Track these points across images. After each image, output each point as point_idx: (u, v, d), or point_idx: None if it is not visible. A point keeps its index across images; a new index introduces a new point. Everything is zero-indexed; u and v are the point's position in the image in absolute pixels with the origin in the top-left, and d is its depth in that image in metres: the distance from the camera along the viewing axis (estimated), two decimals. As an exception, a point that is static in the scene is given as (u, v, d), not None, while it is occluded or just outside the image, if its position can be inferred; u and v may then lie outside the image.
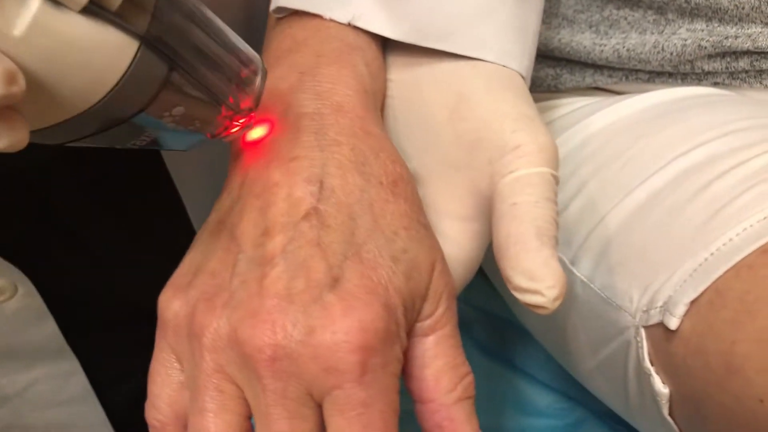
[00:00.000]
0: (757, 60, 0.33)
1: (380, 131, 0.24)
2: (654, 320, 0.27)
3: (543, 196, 0.22)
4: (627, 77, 0.36)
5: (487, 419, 0.40)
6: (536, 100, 0.27)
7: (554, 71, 0.38)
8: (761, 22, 0.32)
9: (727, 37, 0.32)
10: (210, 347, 0.21)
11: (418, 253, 0.22)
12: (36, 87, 0.16)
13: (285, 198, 0.22)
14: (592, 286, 0.31)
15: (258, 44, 0.27)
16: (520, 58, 0.26)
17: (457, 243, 0.25)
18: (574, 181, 0.33)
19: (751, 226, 0.26)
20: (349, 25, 0.26)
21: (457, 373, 0.22)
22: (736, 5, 0.31)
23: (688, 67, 0.34)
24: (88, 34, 0.16)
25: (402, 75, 0.27)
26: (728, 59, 0.33)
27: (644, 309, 0.28)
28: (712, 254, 0.26)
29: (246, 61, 0.21)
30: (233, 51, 0.20)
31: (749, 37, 0.31)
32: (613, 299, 0.30)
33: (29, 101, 0.15)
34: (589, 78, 0.37)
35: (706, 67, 0.34)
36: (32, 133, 0.17)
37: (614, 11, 0.35)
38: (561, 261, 0.29)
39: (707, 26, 0.33)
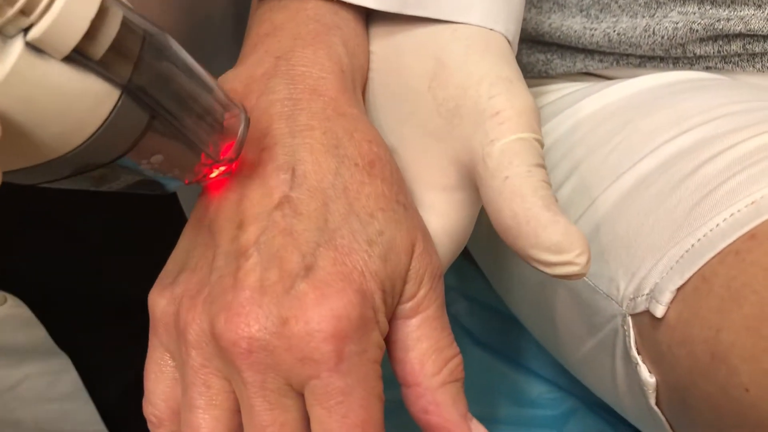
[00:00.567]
0: (749, 43, 0.32)
1: (356, 111, 0.24)
2: (641, 308, 0.27)
3: (532, 164, 0.21)
4: (618, 62, 0.35)
5: (478, 409, 0.40)
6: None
7: (545, 56, 0.37)
8: (754, 4, 0.31)
9: (719, 20, 0.31)
10: (194, 343, 0.21)
11: (396, 234, 0.22)
12: (13, 131, 0.16)
13: (257, 188, 0.22)
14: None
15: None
16: (505, 21, 0.25)
17: (443, 214, 0.24)
18: (565, 166, 0.33)
19: (738, 211, 0.25)
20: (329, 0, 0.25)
21: (442, 356, 0.22)
22: (727, -14, 0.31)
23: (679, 50, 0.33)
24: (69, 82, 0.16)
25: (383, 46, 0.26)
26: (720, 42, 0.33)
27: (631, 297, 0.28)
28: (698, 240, 0.26)
29: (228, 109, 0.21)
30: (215, 99, 0.20)
31: (742, 19, 0.31)
32: (601, 287, 0.29)
33: (4, 144, 0.15)
34: (580, 63, 0.36)
35: (697, 51, 0.33)
36: (5, 173, 0.17)
37: (605, -6, 0.35)
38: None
39: (699, 9, 0.32)
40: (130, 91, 0.17)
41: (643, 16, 0.33)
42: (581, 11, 0.35)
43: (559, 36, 0.35)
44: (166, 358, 0.23)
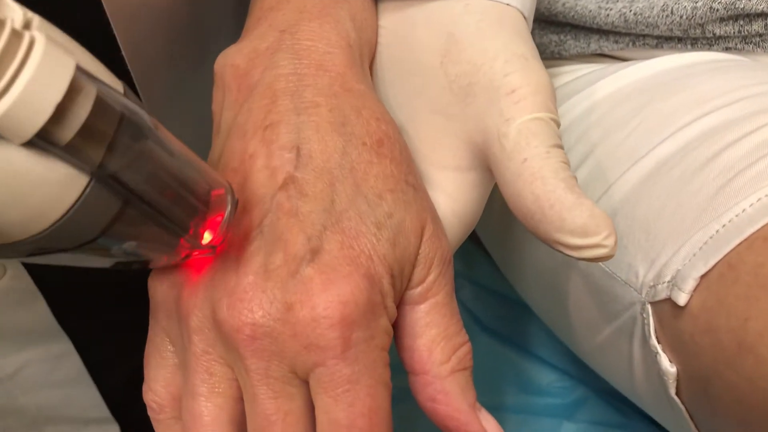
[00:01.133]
0: (772, 22, 0.31)
1: (364, 87, 0.23)
2: (661, 296, 0.26)
3: (551, 144, 0.20)
4: (634, 43, 0.34)
5: (487, 398, 0.39)
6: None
7: (558, 37, 0.36)
8: (777, -19, 0.30)
9: (740, -1, 0.30)
10: (196, 329, 0.20)
11: (405, 216, 0.21)
12: None
13: (261, 169, 0.21)
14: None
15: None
16: None
17: (453, 195, 0.23)
18: (580, 149, 0.31)
19: (766, 195, 0.24)
20: None
21: (450, 344, 0.21)
22: (751, -37, 0.29)
23: (698, 31, 0.32)
24: (29, 168, 0.14)
25: (393, 21, 0.25)
26: (741, 22, 0.31)
27: (651, 284, 0.27)
28: (723, 226, 0.24)
29: (214, 187, 0.19)
30: (200, 178, 0.19)
31: (764, -2, 0.29)
32: (618, 274, 0.28)
33: None
34: (594, 44, 0.35)
35: (717, 31, 0.32)
36: None
37: (621, -28, 0.33)
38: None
39: (720, -13, 0.31)
40: (100, 177, 0.15)
41: (661, -5, 0.32)
42: (596, -10, 0.34)
43: (573, 16, 0.34)
44: (167, 344, 0.22)
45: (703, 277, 0.24)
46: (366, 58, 0.24)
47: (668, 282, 0.26)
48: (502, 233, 0.37)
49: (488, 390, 0.40)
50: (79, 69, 0.14)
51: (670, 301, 0.25)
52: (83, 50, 0.16)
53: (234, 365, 0.20)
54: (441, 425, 0.21)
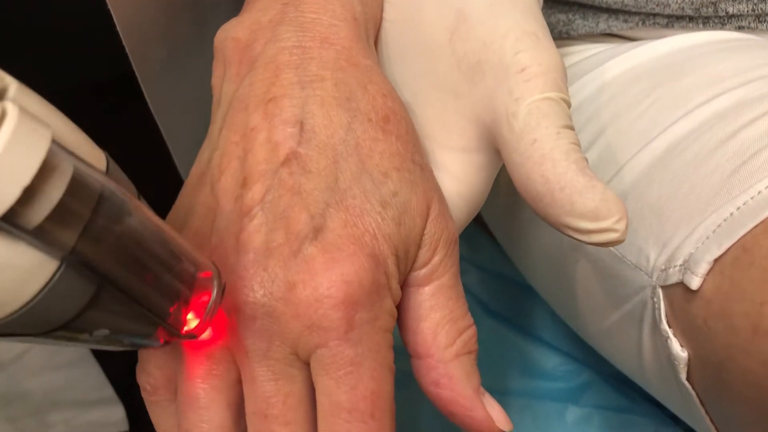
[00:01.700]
0: (787, 0, 0.30)
1: (370, 62, 0.22)
2: (673, 280, 0.25)
3: (561, 125, 0.19)
4: (644, 22, 0.33)
5: (491, 381, 0.39)
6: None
7: (566, 16, 0.35)
8: (793, -43, 0.28)
9: (755, -24, 0.29)
10: None
11: (411, 196, 0.20)
12: None
13: (263, 143, 0.20)
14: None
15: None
16: None
17: (459, 177, 0.22)
18: (590, 130, 0.30)
19: None
20: None
21: (455, 327, 0.20)
22: (766, -62, 0.28)
23: (710, 9, 0.31)
24: None
25: None
26: (755, 0, 0.30)
27: (662, 268, 0.26)
28: (738, 209, 0.24)
29: (200, 269, 0.18)
30: (184, 261, 0.17)
31: (780, -26, 0.28)
32: (628, 257, 0.27)
33: None
34: (603, 23, 0.34)
35: (730, 9, 0.31)
36: None
37: (632, -51, 0.32)
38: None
39: (734, -36, 0.30)
40: (71, 262, 0.14)
41: (673, -28, 0.31)
42: (605, -32, 0.33)
43: (582, -6, 0.33)
44: None
45: (716, 260, 0.23)
46: (371, 33, 0.23)
47: (680, 266, 0.25)
48: (508, 216, 0.37)
49: (492, 374, 0.39)
50: (54, 144, 0.13)
51: (682, 285, 0.25)
52: (64, 119, 0.14)
53: (232, 346, 0.20)
54: (444, 410, 0.21)
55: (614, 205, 0.18)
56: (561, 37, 0.35)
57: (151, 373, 0.21)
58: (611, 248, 0.28)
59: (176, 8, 0.30)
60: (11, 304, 0.14)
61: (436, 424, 0.37)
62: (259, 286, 0.19)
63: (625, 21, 0.33)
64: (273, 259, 0.19)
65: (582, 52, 0.35)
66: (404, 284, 0.20)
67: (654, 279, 0.26)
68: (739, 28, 0.31)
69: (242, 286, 0.19)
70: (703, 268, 0.24)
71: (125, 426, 0.45)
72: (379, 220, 0.19)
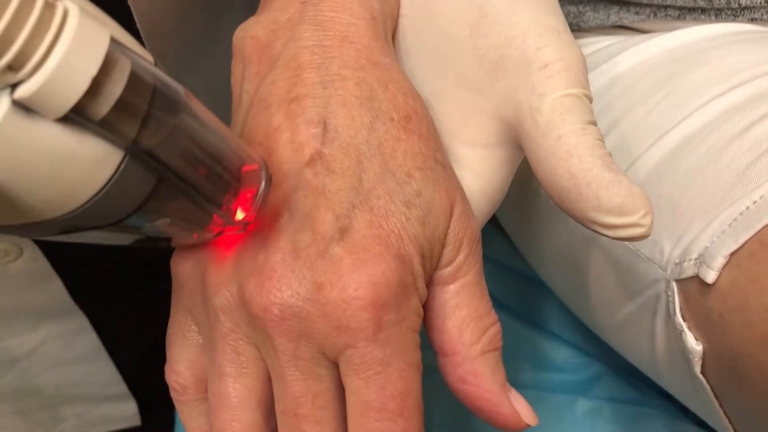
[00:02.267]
0: (801, -9, 0.29)
1: (390, 61, 0.22)
2: (687, 273, 0.25)
3: (585, 121, 0.19)
4: (655, 14, 0.32)
5: (503, 374, 0.39)
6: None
7: (576, 8, 0.35)
8: (807, -52, 0.28)
9: (768, -34, 0.28)
10: (223, 308, 0.20)
11: (435, 195, 0.20)
12: None
13: (287, 143, 0.20)
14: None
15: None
16: None
17: (480, 173, 0.22)
18: (602, 123, 0.30)
19: None
20: None
21: (481, 324, 0.20)
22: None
23: (723, 1, 0.30)
24: (63, 144, 0.14)
25: None
26: (768, -8, 0.30)
27: (676, 261, 0.26)
28: (755, 202, 0.23)
29: (247, 162, 0.18)
30: (233, 153, 0.18)
31: (794, -35, 0.28)
32: (642, 251, 0.27)
33: None
34: (614, 16, 0.34)
35: (743, 1, 0.30)
36: None
37: (644, -59, 0.32)
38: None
39: (747, -45, 0.29)
40: (134, 153, 0.15)
41: (685, -36, 0.31)
42: (616, -41, 0.33)
43: (592, -14, 0.33)
44: (190, 323, 0.22)
45: (732, 254, 0.23)
46: (389, 30, 0.23)
47: (695, 259, 0.25)
48: (519, 210, 0.36)
49: (503, 366, 0.39)
50: (113, 41, 0.14)
51: (697, 278, 0.25)
52: (113, 22, 0.15)
53: (261, 346, 0.20)
54: (471, 406, 0.21)
55: (640, 200, 0.19)
56: (571, 29, 0.35)
57: (180, 372, 0.22)
58: (625, 242, 0.28)
59: (191, 4, 0.30)
60: (84, 194, 0.15)
61: (448, 418, 0.37)
62: (286, 287, 0.19)
63: (637, 13, 0.33)
64: (300, 260, 0.19)
65: (593, 45, 0.34)
66: (429, 283, 0.21)
67: (668, 272, 0.26)
68: (752, 20, 0.31)
69: (270, 287, 0.19)
70: (719, 261, 0.23)
71: (137, 421, 0.45)
72: (404, 221, 0.19)
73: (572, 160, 0.19)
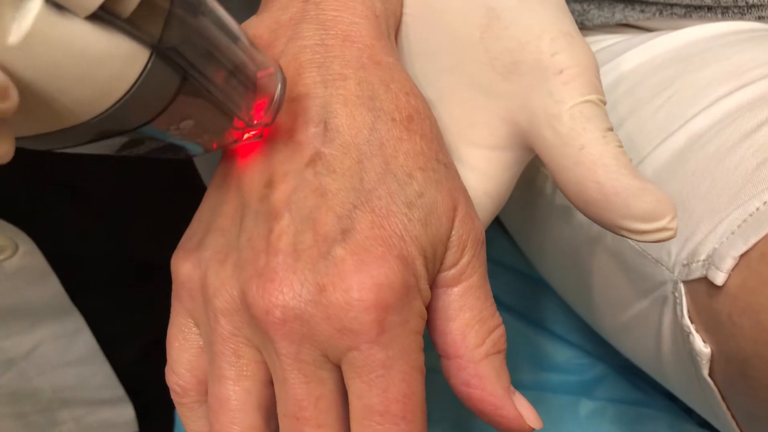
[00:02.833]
0: (808, -10, 0.29)
1: (393, 60, 0.21)
2: (695, 275, 0.25)
3: (605, 128, 0.20)
4: (661, 12, 0.32)
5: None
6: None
7: (581, 6, 0.34)
8: (815, -54, 0.28)
9: (776, -36, 0.28)
10: (224, 310, 0.20)
11: (437, 196, 0.20)
12: (31, 97, 0.14)
13: (287, 143, 0.20)
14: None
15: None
16: None
17: (487, 174, 0.22)
18: None
19: None
20: None
21: (485, 327, 0.20)
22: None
23: (730, -1, 0.30)
24: (94, 42, 0.14)
25: None
26: (775, -10, 0.30)
27: (684, 263, 0.25)
28: (765, 203, 0.23)
29: (262, 67, 0.19)
30: (249, 57, 0.18)
31: (802, -37, 0.28)
32: (649, 252, 0.27)
33: (21, 110, 0.14)
34: (619, 14, 0.33)
35: (750, -1, 0.30)
36: (19, 139, 0.15)
37: (649, -62, 0.32)
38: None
39: (754, -48, 0.29)
40: (160, 51, 0.15)
41: (691, -39, 0.30)
42: (621, -44, 0.32)
43: (597, -16, 0.32)
44: (191, 325, 0.21)
45: (742, 256, 0.23)
46: (392, 29, 0.23)
47: (703, 260, 0.24)
48: (523, 210, 0.36)
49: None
50: None
51: (705, 280, 0.24)
52: None
53: (263, 348, 0.20)
54: (475, 409, 0.21)
55: (667, 205, 0.19)
56: (575, 27, 0.35)
57: (180, 374, 0.21)
58: (632, 243, 0.28)
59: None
60: (114, 94, 0.15)
61: (448, 415, 0.37)
62: (288, 289, 0.18)
63: (642, 11, 0.33)
64: (302, 262, 0.18)
65: (597, 43, 0.34)
66: (433, 285, 0.20)
67: (676, 274, 0.26)
68: (760, 18, 0.31)
69: (272, 289, 0.18)
70: (728, 263, 0.23)
71: (135, 426, 0.45)
72: (406, 222, 0.19)
73: (599, 170, 0.19)
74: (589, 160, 0.19)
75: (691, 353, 0.26)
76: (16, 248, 0.36)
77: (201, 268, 0.20)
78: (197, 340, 0.21)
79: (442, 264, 0.20)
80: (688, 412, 0.38)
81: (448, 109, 0.23)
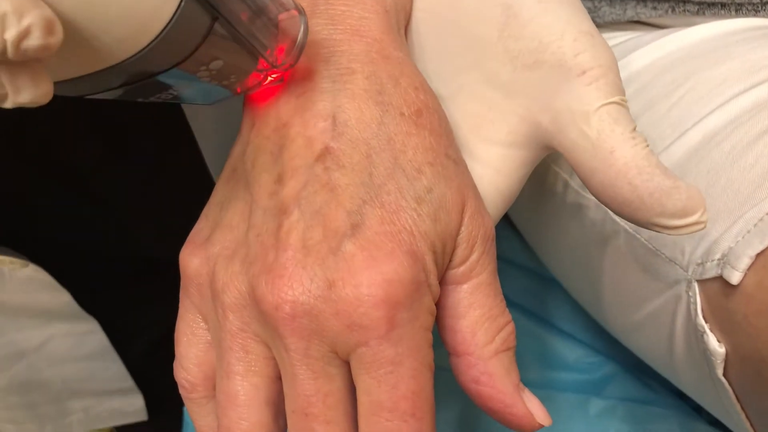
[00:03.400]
0: (825, -14, 0.28)
1: (402, 55, 0.21)
2: (710, 274, 0.24)
3: (631, 128, 0.19)
4: (673, 9, 0.32)
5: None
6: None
7: (592, 3, 0.34)
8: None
9: (791, -40, 0.28)
10: (232, 306, 0.19)
11: (446, 191, 0.20)
12: (71, 35, 0.14)
13: (296, 138, 0.20)
14: (638, 236, 0.28)
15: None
16: None
17: (500, 171, 0.22)
18: None
19: None
20: None
21: (494, 324, 0.20)
22: None
23: (744, -4, 0.30)
24: None
25: None
26: (790, -14, 0.29)
27: (698, 262, 0.25)
28: (782, 202, 0.23)
29: (285, 9, 0.19)
30: (276, 2, 0.18)
31: (818, -41, 0.27)
32: (663, 251, 0.27)
33: (61, 50, 0.13)
34: (631, 10, 0.33)
35: (764, -4, 0.30)
36: (55, 84, 0.15)
37: (663, -66, 0.31)
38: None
39: (768, -52, 0.28)
40: None
41: (705, -43, 0.30)
42: (633, -47, 0.32)
43: (609, -20, 0.32)
44: (199, 320, 0.21)
45: (759, 255, 0.23)
46: (402, 25, 0.23)
47: (718, 260, 0.24)
48: (533, 207, 0.36)
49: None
50: None
51: (720, 279, 0.24)
52: None
53: (272, 344, 0.19)
54: (484, 407, 0.20)
55: (698, 200, 0.19)
56: (587, 24, 0.34)
57: (189, 370, 0.21)
58: (645, 242, 0.27)
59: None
60: (153, 30, 0.15)
61: (452, 416, 0.37)
62: (297, 284, 0.18)
63: (654, 8, 0.32)
64: (311, 257, 0.18)
65: (609, 40, 0.34)
66: (442, 282, 0.20)
67: (690, 273, 0.25)
68: (773, 15, 0.30)
69: (282, 284, 0.18)
70: (745, 262, 0.23)
71: (144, 416, 0.45)
72: (415, 217, 0.19)
73: (631, 172, 0.19)
74: (621, 162, 0.19)
75: (705, 353, 0.25)
76: (27, 265, 0.37)
77: (209, 264, 0.20)
78: (205, 336, 0.21)
79: (451, 261, 0.20)
80: (698, 411, 0.37)
81: (463, 105, 0.22)
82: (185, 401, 0.22)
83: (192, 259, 0.21)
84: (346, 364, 0.19)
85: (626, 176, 0.19)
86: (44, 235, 0.36)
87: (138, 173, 0.41)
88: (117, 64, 0.15)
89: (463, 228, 0.20)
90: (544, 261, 0.38)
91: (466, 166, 0.21)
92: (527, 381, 0.38)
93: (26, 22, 0.12)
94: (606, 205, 0.20)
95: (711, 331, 0.25)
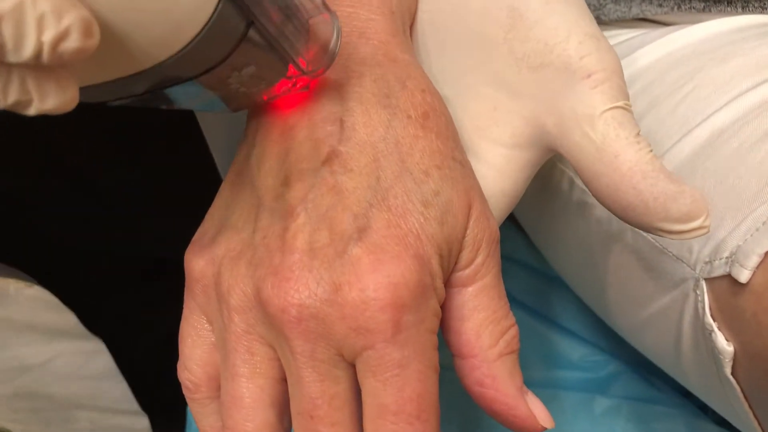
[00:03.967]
0: (832, -19, 0.28)
1: (408, 57, 0.21)
2: (718, 272, 0.24)
3: (635, 133, 0.19)
4: (679, 6, 0.31)
5: (519, 372, 0.38)
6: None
7: (597, 1, 0.34)
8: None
9: (799, -44, 0.27)
10: (237, 308, 0.19)
11: (452, 194, 0.19)
12: (107, 38, 0.14)
13: (303, 141, 0.20)
14: (645, 234, 0.27)
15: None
16: None
17: (504, 172, 0.22)
18: None
19: None
20: None
21: (499, 327, 0.20)
22: None
23: (750, -8, 0.29)
24: None
25: None
26: (797, -18, 0.29)
27: (706, 260, 0.25)
28: (791, 199, 0.22)
29: (316, 13, 0.18)
30: (301, 7, 0.18)
31: (826, -46, 0.27)
32: (670, 249, 0.26)
33: (97, 52, 0.13)
34: (636, 8, 0.32)
35: (771, -8, 0.29)
36: (82, 90, 0.14)
37: (668, -69, 0.31)
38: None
39: (775, -56, 0.28)
40: None
41: (711, -46, 0.29)
42: (638, -50, 0.31)
43: (614, -22, 0.32)
44: (203, 322, 0.21)
45: (767, 253, 0.22)
46: (407, 26, 0.23)
47: (726, 258, 0.24)
48: (538, 207, 0.35)
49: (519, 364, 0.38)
50: None
51: (728, 277, 0.23)
52: None
53: (277, 346, 0.19)
54: (488, 409, 0.20)
55: (702, 204, 0.19)
56: (592, 22, 0.34)
57: (192, 371, 0.21)
58: (652, 240, 0.27)
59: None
60: (189, 32, 0.15)
61: (454, 415, 0.36)
62: (304, 287, 0.18)
63: (660, 5, 0.32)
64: (318, 260, 0.18)
65: (614, 38, 0.33)
66: (447, 284, 0.20)
67: (697, 271, 0.25)
68: (780, 12, 0.30)
69: (288, 287, 0.18)
70: (753, 260, 0.22)
71: (150, 432, 0.45)
72: (422, 220, 0.19)
73: (636, 176, 0.19)
74: (625, 167, 0.19)
75: (713, 351, 0.25)
76: (32, 286, 0.37)
77: (215, 265, 0.20)
78: (209, 337, 0.21)
79: (456, 263, 0.20)
80: (704, 410, 0.37)
81: (467, 106, 0.22)
82: (188, 402, 0.22)
83: (197, 260, 0.21)
84: (352, 367, 0.19)
85: (631, 180, 0.19)
86: (50, 235, 0.36)
87: (146, 174, 0.41)
88: (149, 68, 0.15)
89: (468, 231, 0.20)
90: (549, 259, 0.38)
91: (471, 168, 0.21)
92: (532, 380, 0.38)
93: (65, 23, 0.12)
94: (609, 209, 0.20)
95: (719, 329, 0.24)
